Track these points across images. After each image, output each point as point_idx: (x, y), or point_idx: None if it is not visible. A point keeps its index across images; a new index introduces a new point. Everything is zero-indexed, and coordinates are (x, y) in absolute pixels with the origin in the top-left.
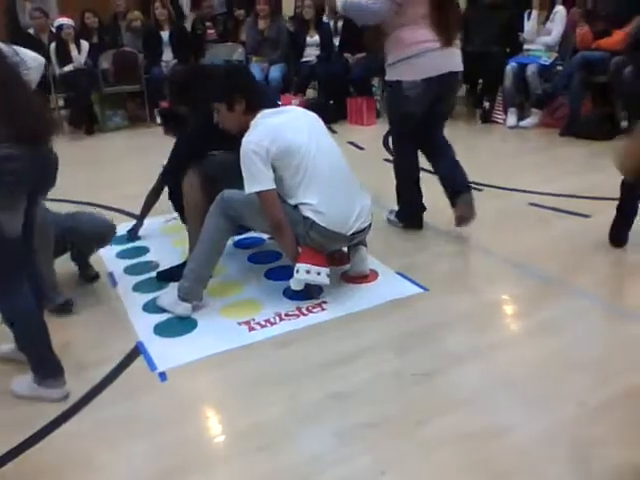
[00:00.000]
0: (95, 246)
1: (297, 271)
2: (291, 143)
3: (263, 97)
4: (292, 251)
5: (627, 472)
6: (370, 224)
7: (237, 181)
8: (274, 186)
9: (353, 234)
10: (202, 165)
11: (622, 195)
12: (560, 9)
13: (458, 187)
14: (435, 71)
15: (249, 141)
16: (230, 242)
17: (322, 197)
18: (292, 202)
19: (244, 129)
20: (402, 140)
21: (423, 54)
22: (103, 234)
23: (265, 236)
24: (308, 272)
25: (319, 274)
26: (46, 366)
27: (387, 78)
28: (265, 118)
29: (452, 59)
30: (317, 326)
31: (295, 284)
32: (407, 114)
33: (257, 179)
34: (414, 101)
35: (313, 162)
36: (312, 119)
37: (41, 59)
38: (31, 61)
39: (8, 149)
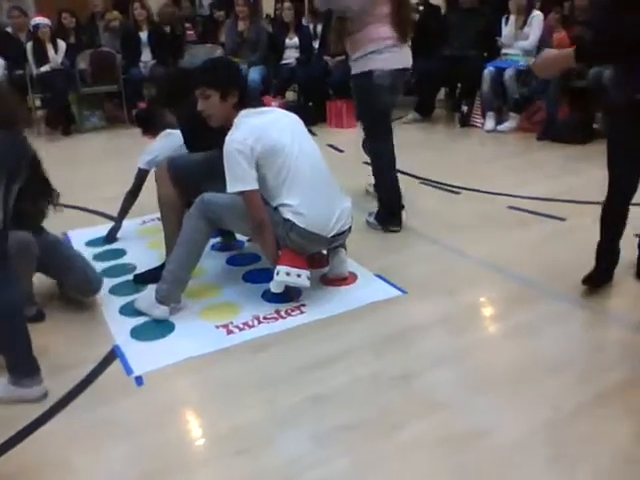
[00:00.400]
0: (76, 293)
1: (277, 273)
2: (276, 142)
3: (251, 97)
4: (272, 252)
5: (604, 474)
6: (350, 227)
7: (213, 181)
8: (257, 186)
9: (333, 236)
10: (176, 162)
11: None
12: (537, 14)
13: None
14: (398, 64)
15: (233, 139)
16: (208, 245)
17: (303, 198)
18: (273, 203)
19: (227, 123)
20: (379, 127)
21: (388, 49)
22: (89, 290)
23: (244, 238)
24: (288, 274)
25: (299, 276)
26: (23, 366)
27: (355, 71)
28: (248, 117)
29: (407, 56)
30: (296, 329)
31: (275, 286)
32: (379, 102)
33: (240, 179)
34: (385, 89)
35: (295, 163)
36: (294, 120)
37: None
38: None
39: None
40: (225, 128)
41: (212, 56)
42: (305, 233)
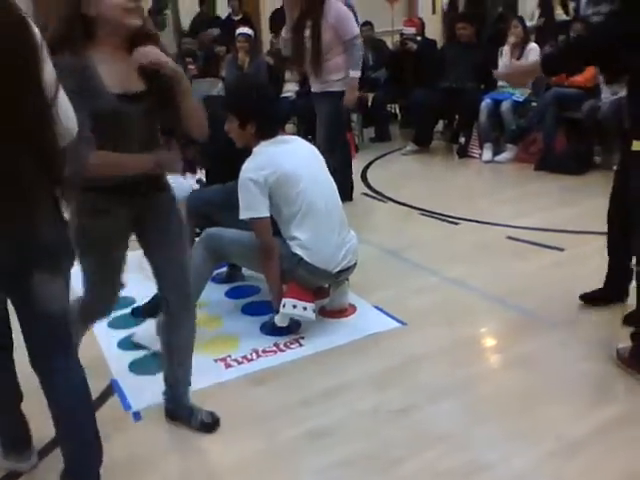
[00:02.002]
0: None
1: (283, 306)
2: (291, 174)
3: (276, 127)
4: (276, 283)
5: None
6: (356, 262)
7: (228, 213)
8: (268, 214)
9: (339, 272)
10: (193, 195)
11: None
12: (533, 46)
13: None
14: None
15: (248, 169)
16: None
17: (314, 233)
18: (284, 234)
19: (248, 148)
20: (339, 137)
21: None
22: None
23: (245, 271)
24: (295, 307)
25: (305, 309)
26: (11, 440)
27: (333, 89)
28: (267, 147)
29: None
30: (294, 362)
31: (280, 319)
32: (343, 115)
33: (252, 206)
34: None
35: (310, 196)
36: (312, 153)
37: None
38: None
39: None
40: (249, 152)
41: (212, 91)
42: (312, 268)
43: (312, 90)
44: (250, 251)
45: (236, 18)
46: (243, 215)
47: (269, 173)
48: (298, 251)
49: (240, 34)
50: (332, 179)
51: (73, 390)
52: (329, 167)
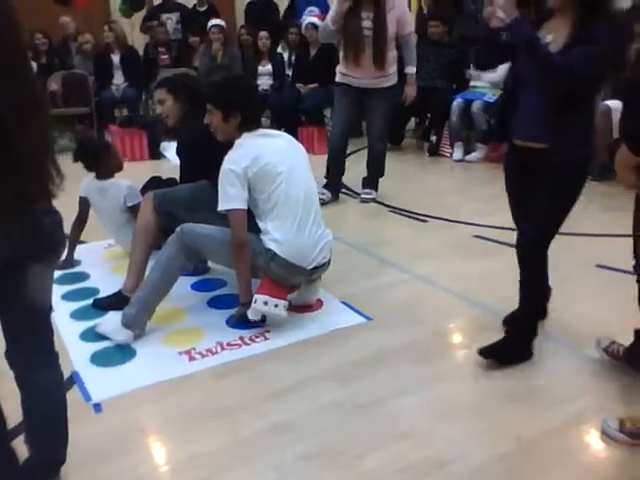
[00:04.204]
0: None
1: (255, 301)
2: (271, 168)
3: (259, 119)
4: (247, 275)
5: None
6: (330, 260)
7: (193, 216)
8: (245, 207)
9: (313, 269)
10: (162, 193)
11: None
12: None
13: None
14: None
15: (229, 160)
16: None
17: (290, 229)
18: (260, 225)
19: (231, 141)
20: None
21: None
22: None
23: (209, 264)
24: (266, 303)
25: (276, 306)
26: None
27: (389, 84)
28: (249, 139)
29: None
30: (259, 356)
31: (252, 314)
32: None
33: (231, 198)
34: None
35: (288, 191)
36: (296, 148)
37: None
38: None
39: None
40: (224, 150)
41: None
42: (286, 264)
43: (355, 85)
44: (223, 247)
45: (201, 9)
46: (221, 206)
47: (249, 165)
48: (272, 246)
49: (213, 25)
50: (312, 176)
51: (50, 387)
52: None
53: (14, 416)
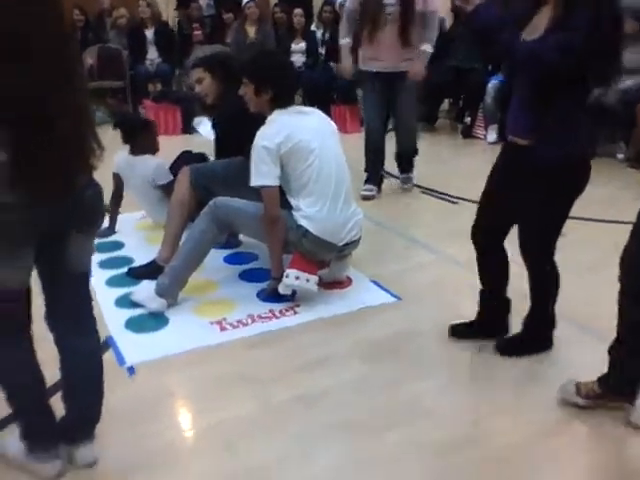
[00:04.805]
0: None
1: (287, 276)
2: (304, 145)
3: (291, 97)
4: (279, 251)
5: None
6: (360, 237)
7: (228, 192)
8: (277, 183)
9: (344, 245)
10: (199, 168)
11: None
12: None
13: None
14: None
15: (262, 136)
16: None
17: (321, 206)
18: (292, 202)
19: (264, 115)
20: None
21: None
22: None
23: (242, 237)
24: (297, 278)
25: (308, 281)
26: (33, 435)
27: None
28: (282, 115)
29: None
30: (288, 329)
31: (283, 288)
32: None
33: (263, 174)
34: None
35: (320, 169)
36: (328, 126)
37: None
38: None
39: (4, 195)
40: (262, 122)
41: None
42: (318, 240)
43: (377, 70)
44: (255, 221)
45: None
46: (254, 182)
47: (282, 141)
48: (304, 223)
49: (250, 0)
50: (343, 154)
51: (89, 351)
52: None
53: (52, 376)
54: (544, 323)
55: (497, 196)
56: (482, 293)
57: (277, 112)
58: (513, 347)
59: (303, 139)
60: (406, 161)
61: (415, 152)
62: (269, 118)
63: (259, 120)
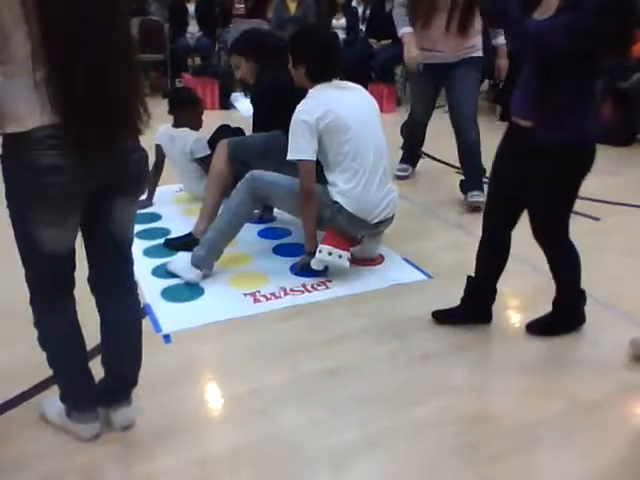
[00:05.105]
0: None
1: (320, 251)
2: (343, 121)
3: (328, 73)
4: (312, 226)
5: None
6: (393, 215)
7: (265, 165)
8: (314, 158)
9: (377, 223)
10: (236, 142)
11: None
12: None
13: None
14: None
15: (301, 110)
16: None
17: (357, 182)
18: (328, 179)
19: (303, 88)
20: None
21: None
22: None
23: (277, 212)
24: (330, 254)
25: (340, 257)
26: (73, 397)
27: (478, 54)
28: (323, 90)
29: None
30: (320, 303)
31: (316, 264)
32: None
33: (301, 148)
34: None
35: (358, 145)
36: (369, 102)
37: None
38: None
39: (55, 157)
40: (302, 96)
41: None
42: (351, 217)
43: (433, 62)
44: (290, 195)
45: None
46: (291, 155)
47: (321, 116)
48: (339, 199)
49: None
50: (382, 131)
51: (128, 315)
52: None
53: (92, 339)
54: (573, 299)
55: (503, 179)
56: (471, 280)
57: (318, 87)
58: (546, 326)
59: (342, 115)
60: (473, 178)
61: (483, 170)
62: (309, 92)
63: (298, 95)
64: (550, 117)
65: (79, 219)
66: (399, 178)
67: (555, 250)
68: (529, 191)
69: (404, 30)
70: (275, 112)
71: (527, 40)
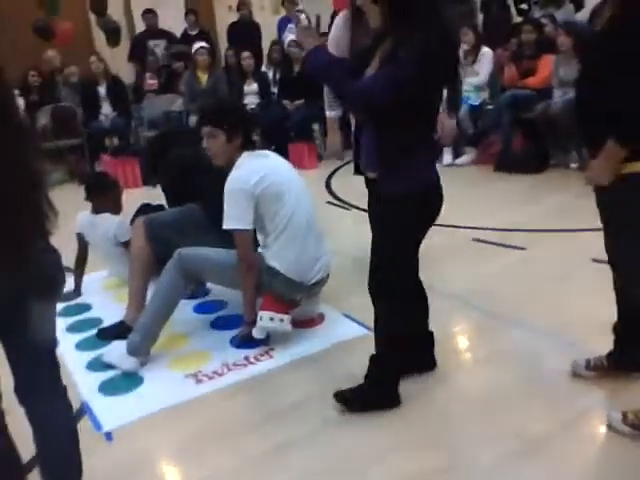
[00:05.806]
0: None
1: (261, 319)
2: (278, 187)
3: (252, 139)
4: (253, 294)
5: None
6: (328, 275)
7: (185, 238)
8: (252, 227)
9: (314, 284)
10: (152, 219)
11: None
12: (486, 51)
13: None
14: None
15: (236, 179)
16: None
17: (293, 247)
18: (262, 241)
19: (228, 164)
20: None
21: None
22: None
23: (209, 285)
24: (272, 319)
25: (282, 321)
26: None
27: None
28: (251, 159)
29: None
30: (265, 375)
31: (258, 332)
32: None
33: (237, 217)
34: None
35: (293, 209)
36: (289, 166)
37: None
38: None
39: None
40: (221, 171)
41: (171, 107)
42: (288, 281)
43: None
44: (224, 268)
45: (193, 33)
46: (227, 225)
47: (257, 182)
48: (275, 264)
49: (200, 47)
50: (310, 195)
51: (60, 420)
52: None
53: (27, 451)
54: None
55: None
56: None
57: (246, 155)
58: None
59: (276, 180)
60: None
61: None
62: (238, 163)
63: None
64: (391, 168)
65: None
66: None
67: (384, 301)
68: (374, 239)
69: (329, 113)
70: (192, 187)
71: (351, 102)
